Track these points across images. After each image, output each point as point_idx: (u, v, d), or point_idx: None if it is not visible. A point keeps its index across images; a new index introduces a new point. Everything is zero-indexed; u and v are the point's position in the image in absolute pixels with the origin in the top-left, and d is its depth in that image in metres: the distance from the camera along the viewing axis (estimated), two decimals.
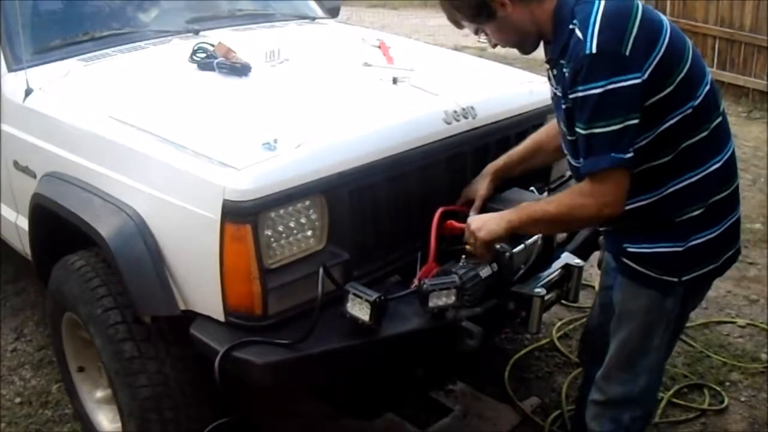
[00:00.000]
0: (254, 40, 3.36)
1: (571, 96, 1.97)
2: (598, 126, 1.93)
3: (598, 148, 1.95)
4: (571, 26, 1.96)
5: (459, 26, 2.19)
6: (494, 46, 2.18)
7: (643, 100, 1.95)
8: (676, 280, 2.15)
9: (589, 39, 1.90)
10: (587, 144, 1.97)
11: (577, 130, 1.99)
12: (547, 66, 2.17)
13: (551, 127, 2.49)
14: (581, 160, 2.02)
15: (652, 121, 1.99)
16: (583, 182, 2.04)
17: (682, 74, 1.99)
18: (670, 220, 2.11)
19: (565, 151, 2.24)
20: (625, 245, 2.17)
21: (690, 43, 2.07)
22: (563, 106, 2.07)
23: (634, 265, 2.17)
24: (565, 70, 1.99)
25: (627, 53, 1.90)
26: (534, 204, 2.23)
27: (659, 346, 2.26)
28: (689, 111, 2.02)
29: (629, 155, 1.94)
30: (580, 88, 1.92)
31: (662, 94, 1.97)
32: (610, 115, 1.91)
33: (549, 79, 2.20)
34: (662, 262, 2.13)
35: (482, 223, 2.26)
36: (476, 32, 2.19)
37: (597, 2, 1.95)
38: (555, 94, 2.17)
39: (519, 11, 2.05)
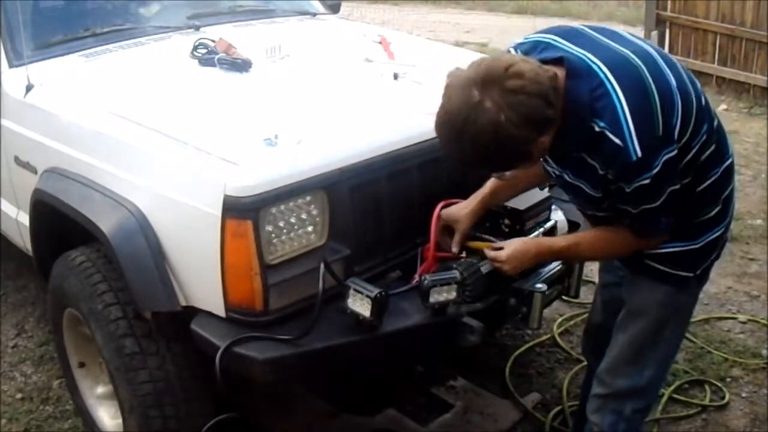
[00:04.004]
0: (255, 36, 3.36)
1: (612, 187, 1.97)
2: (648, 204, 1.96)
3: (649, 219, 2.01)
4: (598, 128, 1.88)
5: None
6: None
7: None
8: (691, 275, 2.19)
9: (630, 145, 1.85)
10: (637, 217, 2.01)
11: (623, 207, 2.01)
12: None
13: None
14: (628, 221, 2.05)
15: (681, 157, 2.00)
16: (632, 236, 2.08)
17: (695, 108, 2.00)
18: (689, 222, 2.14)
19: (578, 207, 2.29)
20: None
21: (681, 69, 2.05)
22: (593, 195, 2.05)
23: (652, 263, 2.17)
24: (598, 168, 1.95)
25: (661, 133, 1.89)
26: (577, 244, 2.22)
27: (670, 339, 2.30)
28: (705, 136, 2.04)
29: (674, 212, 2.01)
30: (628, 184, 1.92)
31: (687, 137, 1.98)
32: (659, 193, 1.95)
33: (545, 159, 2.14)
34: (678, 259, 2.16)
35: (513, 261, 2.24)
36: (499, 176, 2.22)
37: (614, 95, 1.86)
38: (561, 176, 2.13)
39: (550, 136, 1.91)
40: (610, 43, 1.99)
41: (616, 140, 1.86)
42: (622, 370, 2.31)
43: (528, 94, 1.78)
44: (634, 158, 1.86)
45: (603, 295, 2.59)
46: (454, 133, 1.84)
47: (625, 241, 2.10)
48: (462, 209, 2.42)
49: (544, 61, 1.91)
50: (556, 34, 2.02)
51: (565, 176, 2.11)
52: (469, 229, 2.42)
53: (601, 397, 2.37)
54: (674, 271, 2.17)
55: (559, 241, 2.33)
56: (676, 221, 2.07)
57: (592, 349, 2.68)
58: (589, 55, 1.92)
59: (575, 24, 2.11)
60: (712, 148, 2.08)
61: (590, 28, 2.06)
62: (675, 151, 1.92)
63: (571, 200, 2.35)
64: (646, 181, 1.90)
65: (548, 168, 2.19)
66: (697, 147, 2.02)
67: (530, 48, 2.03)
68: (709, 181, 2.10)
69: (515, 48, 2.09)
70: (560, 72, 1.90)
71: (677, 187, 1.98)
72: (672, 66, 2.01)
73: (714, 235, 2.17)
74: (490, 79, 1.79)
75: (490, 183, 2.41)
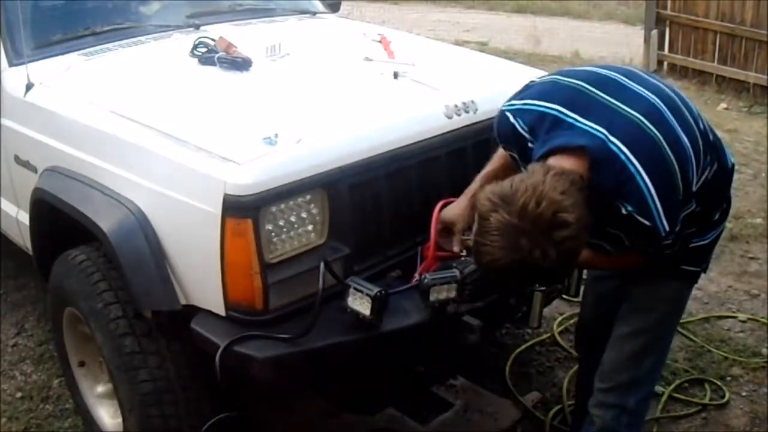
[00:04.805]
0: (255, 35, 3.36)
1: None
2: (666, 249, 2.01)
3: (664, 252, 2.03)
4: (625, 212, 1.90)
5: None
6: None
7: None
8: (699, 269, 2.29)
9: (659, 224, 1.90)
10: (652, 254, 2.06)
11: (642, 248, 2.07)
12: None
13: None
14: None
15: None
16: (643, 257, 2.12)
17: (702, 151, 2.04)
18: (700, 226, 2.19)
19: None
20: None
21: (685, 109, 2.05)
22: (610, 250, 2.13)
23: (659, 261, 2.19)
24: (623, 236, 2.02)
25: (681, 195, 1.95)
26: (591, 259, 2.20)
27: (671, 331, 2.39)
28: (710, 165, 2.09)
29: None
30: (653, 246, 2.00)
31: (700, 177, 2.05)
32: (677, 239, 2.01)
33: None
34: (689, 256, 2.21)
35: None
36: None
37: (638, 177, 1.88)
38: None
39: None
40: (617, 104, 1.97)
41: (646, 222, 1.91)
42: (624, 364, 2.32)
43: (576, 239, 1.79)
44: (663, 234, 1.92)
45: (596, 288, 2.60)
46: (502, 273, 1.85)
47: (636, 262, 2.16)
48: (455, 209, 2.41)
49: (564, 149, 1.91)
50: (560, 104, 1.99)
51: None
52: (467, 227, 2.39)
53: (604, 391, 2.37)
54: (685, 267, 2.24)
55: None
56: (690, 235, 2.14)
57: (586, 343, 2.70)
58: (606, 134, 1.91)
59: (569, 81, 2.05)
60: (715, 167, 2.13)
61: (589, 83, 2.02)
62: (693, 206, 2.00)
63: None
64: (670, 241, 1.96)
65: None
66: (704, 177, 2.07)
67: (535, 121, 2.02)
68: (717, 191, 2.18)
69: (515, 116, 2.07)
70: (582, 164, 1.90)
71: (692, 230, 2.09)
72: (678, 114, 2.01)
73: (719, 231, 2.27)
74: (538, 230, 1.76)
75: (479, 179, 2.39)
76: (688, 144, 1.98)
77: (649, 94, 2.01)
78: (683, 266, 2.23)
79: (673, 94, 2.06)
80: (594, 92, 1.99)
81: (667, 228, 1.91)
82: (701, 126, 2.07)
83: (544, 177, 1.81)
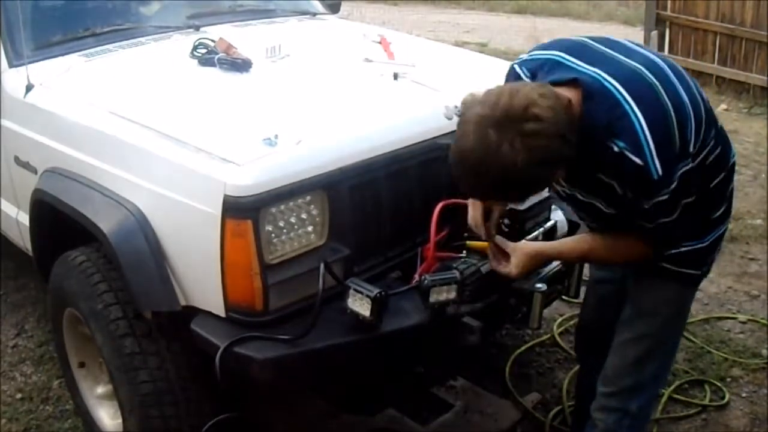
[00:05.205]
0: (255, 36, 3.36)
1: (628, 204, 1.97)
2: (664, 218, 1.97)
3: (665, 231, 2.00)
4: (617, 149, 1.86)
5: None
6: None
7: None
8: (700, 272, 2.23)
9: (651, 164, 1.85)
10: (653, 230, 2.01)
11: (639, 221, 2.00)
12: None
13: None
14: (643, 234, 2.04)
15: (696, 167, 2.01)
16: (644, 244, 2.06)
17: (704, 119, 2.00)
18: (699, 224, 2.16)
19: (588, 222, 2.29)
20: None
21: (688, 77, 2.04)
22: (606, 211, 2.06)
23: (659, 263, 2.18)
24: (616, 187, 1.95)
25: (678, 149, 1.90)
26: (588, 251, 2.20)
27: (675, 335, 2.35)
28: (712, 141, 2.05)
29: (688, 226, 2.04)
30: (647, 200, 1.92)
31: (699, 146, 1.99)
32: (676, 207, 1.95)
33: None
34: (687, 259, 2.18)
35: (524, 274, 2.25)
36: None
37: (633, 115, 1.85)
38: (573, 195, 2.13)
39: (564, 168, 1.90)
40: (618, 56, 1.97)
41: (638, 160, 1.85)
42: (627, 369, 2.31)
43: (546, 137, 1.75)
44: (656, 177, 1.86)
45: (597, 291, 2.59)
46: (470, 172, 1.83)
47: (637, 249, 2.09)
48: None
49: (557, 83, 1.90)
50: (562, 50, 2.00)
51: (577, 195, 2.11)
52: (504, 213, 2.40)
53: (606, 395, 2.36)
54: (684, 270, 2.20)
55: (568, 246, 2.27)
56: (689, 228, 2.09)
57: (586, 345, 2.69)
58: (603, 74, 1.90)
59: (576, 36, 2.09)
60: (718, 151, 2.09)
61: (594, 40, 2.04)
62: (691, 164, 1.93)
63: (579, 216, 2.35)
64: (665, 197, 1.90)
65: (557, 188, 2.17)
66: (705, 153, 2.03)
67: (537, 67, 2.02)
68: (716, 183, 2.13)
69: (520, 65, 2.07)
70: (575, 95, 1.88)
71: (691, 199, 1.99)
72: (680, 77, 2.00)
73: (719, 233, 2.22)
74: (508, 120, 1.75)
75: None
76: (689, 103, 1.94)
77: (653, 56, 2.02)
78: (682, 269, 2.20)
79: (675, 64, 2.06)
80: (597, 46, 2.01)
81: (660, 171, 1.84)
82: (704, 97, 2.05)
83: (529, 85, 1.84)
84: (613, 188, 1.95)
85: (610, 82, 1.89)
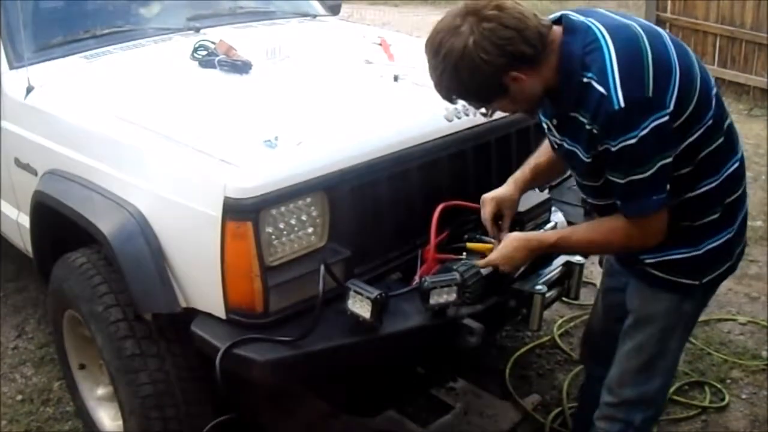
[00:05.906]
0: (255, 38, 3.36)
1: (600, 149, 1.93)
2: (636, 173, 1.91)
3: (639, 193, 1.95)
4: (585, 79, 1.89)
5: (453, 102, 2.16)
6: (491, 115, 2.17)
7: (673, 131, 1.91)
8: (696, 283, 2.16)
9: (613, 93, 1.84)
10: (626, 191, 1.96)
11: (612, 179, 1.97)
12: (546, 119, 2.14)
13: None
14: (619, 202, 2.01)
15: (678, 140, 1.96)
16: (625, 221, 2.03)
17: (698, 89, 1.97)
18: (688, 226, 2.11)
19: (582, 192, 2.26)
20: (642, 256, 2.16)
21: (692, 52, 2.04)
22: (585, 159, 2.02)
23: (654, 272, 2.16)
24: (586, 124, 1.93)
25: (651, 95, 1.86)
26: (570, 235, 2.20)
27: (677, 348, 2.29)
28: (710, 122, 2.01)
29: (667, 192, 1.96)
30: (613, 142, 1.88)
31: (686, 115, 1.94)
32: (647, 161, 1.90)
33: (549, 129, 2.15)
34: (682, 267, 2.14)
35: (508, 260, 2.25)
36: (479, 108, 2.15)
37: (605, 48, 1.88)
38: (561, 144, 2.11)
39: (531, 79, 1.93)
40: (618, 17, 2.00)
41: (600, 88, 1.86)
42: (630, 379, 2.29)
43: (502, 25, 1.85)
44: (617, 107, 1.84)
45: (605, 300, 2.57)
46: (431, 54, 1.95)
47: (619, 229, 2.05)
48: (507, 193, 2.40)
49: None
50: (563, 10, 2.06)
51: (565, 144, 2.09)
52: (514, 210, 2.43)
53: (610, 405, 2.35)
54: (677, 279, 2.15)
55: (551, 233, 2.31)
56: (674, 224, 2.04)
57: (592, 354, 2.67)
58: (591, 19, 1.97)
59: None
60: (720, 141, 2.05)
61: (607, 11, 2.07)
62: (666, 118, 1.87)
63: (572, 175, 2.31)
64: (632, 141, 1.86)
65: (551, 138, 2.19)
66: (699, 133, 1.98)
67: None
68: (711, 182, 2.07)
69: None
70: (558, 28, 1.96)
71: (669, 161, 1.92)
72: (680, 47, 1.99)
73: (716, 243, 2.13)
74: (474, 8, 1.88)
75: (528, 168, 2.42)
76: (677, 64, 1.92)
77: (661, 30, 2.03)
78: (677, 278, 2.15)
79: (684, 45, 2.05)
80: (603, 10, 2.04)
81: (621, 103, 1.82)
82: (708, 78, 2.02)
83: None
84: (584, 126, 1.94)
85: (593, 23, 1.95)
